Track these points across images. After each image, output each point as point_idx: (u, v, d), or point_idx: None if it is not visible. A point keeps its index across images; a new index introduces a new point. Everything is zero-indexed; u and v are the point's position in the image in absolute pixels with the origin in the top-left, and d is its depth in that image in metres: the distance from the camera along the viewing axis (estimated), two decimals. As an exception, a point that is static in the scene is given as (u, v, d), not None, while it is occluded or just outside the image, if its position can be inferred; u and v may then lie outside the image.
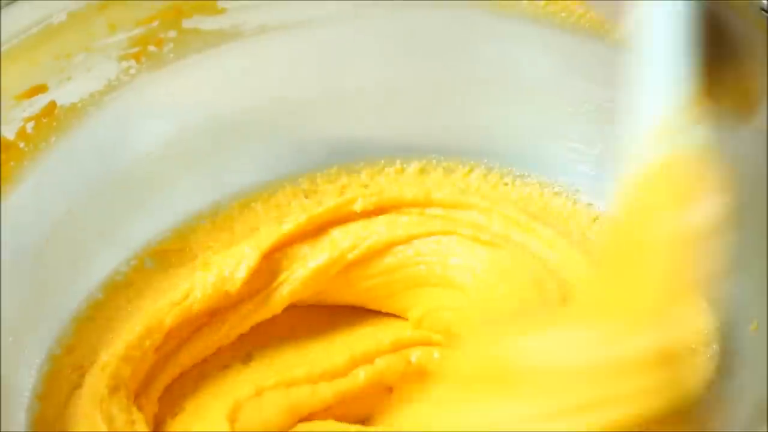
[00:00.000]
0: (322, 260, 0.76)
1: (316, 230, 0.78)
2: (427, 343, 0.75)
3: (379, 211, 0.78)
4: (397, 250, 0.77)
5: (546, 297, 0.70)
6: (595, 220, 0.83)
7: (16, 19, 0.75)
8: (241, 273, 0.75)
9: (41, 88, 0.76)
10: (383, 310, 0.80)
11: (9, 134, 0.74)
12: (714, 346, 0.74)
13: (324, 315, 0.79)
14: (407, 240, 0.77)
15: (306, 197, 0.85)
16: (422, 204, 0.78)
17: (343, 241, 0.77)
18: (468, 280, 0.75)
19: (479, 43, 0.84)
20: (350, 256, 0.76)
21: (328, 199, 0.84)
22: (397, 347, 0.74)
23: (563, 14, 0.80)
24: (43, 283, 0.75)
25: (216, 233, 0.83)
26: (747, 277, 0.73)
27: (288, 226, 0.77)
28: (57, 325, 0.75)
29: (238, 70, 0.84)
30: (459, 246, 0.76)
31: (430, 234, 0.77)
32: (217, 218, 0.83)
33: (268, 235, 0.77)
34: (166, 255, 0.81)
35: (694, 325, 0.63)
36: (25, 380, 0.72)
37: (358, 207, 0.78)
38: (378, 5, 0.84)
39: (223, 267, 0.75)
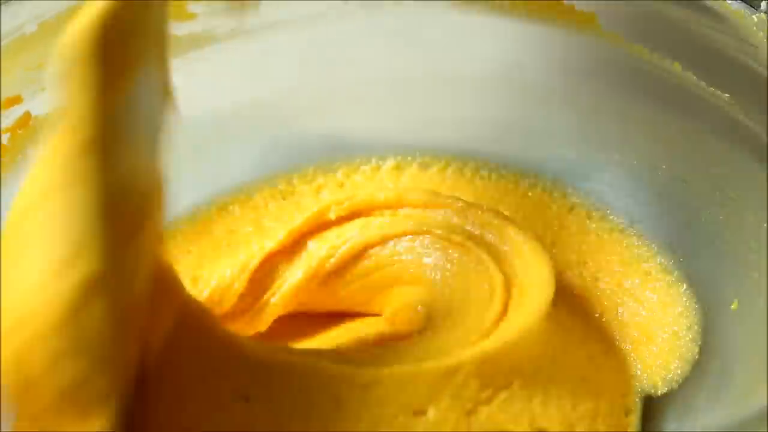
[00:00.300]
0: (302, 275, 0.76)
1: (293, 244, 0.77)
2: (401, 337, 0.75)
3: (353, 215, 0.78)
4: (371, 253, 0.77)
5: (490, 310, 0.71)
6: (571, 209, 0.83)
7: (-13, 31, 0.75)
8: (229, 298, 0.75)
9: (15, 100, 0.76)
10: (363, 312, 0.80)
11: (-15, 147, 0.74)
12: (696, 327, 0.75)
13: (305, 320, 0.79)
14: (381, 241, 0.77)
15: (283, 198, 0.86)
16: (395, 206, 0.78)
17: (319, 250, 0.77)
18: (438, 280, 0.75)
19: (450, 40, 0.84)
20: (327, 266, 0.76)
21: (305, 200, 0.85)
22: (378, 343, 0.75)
23: (528, 6, 0.81)
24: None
25: (195, 237, 0.83)
26: (725, 255, 0.75)
27: (270, 243, 0.77)
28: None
29: (210, 74, 0.84)
30: (432, 245, 0.76)
31: (404, 234, 0.77)
32: (196, 223, 0.84)
33: (251, 256, 0.76)
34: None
35: None
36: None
37: (332, 215, 0.78)
38: (349, 5, 0.84)
39: (212, 291, 0.75)
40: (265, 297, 0.76)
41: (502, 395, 0.66)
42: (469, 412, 0.65)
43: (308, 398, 0.64)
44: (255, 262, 0.76)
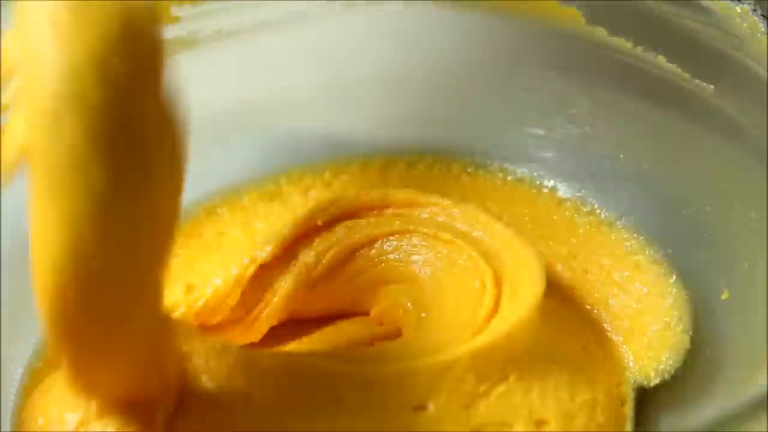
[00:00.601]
0: (292, 285, 0.76)
1: (283, 253, 0.77)
2: (391, 335, 0.75)
3: (338, 219, 0.78)
4: (358, 254, 0.77)
5: (482, 306, 0.71)
6: (559, 204, 0.84)
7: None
8: (223, 310, 0.75)
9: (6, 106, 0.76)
10: (352, 313, 0.79)
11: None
12: (687, 318, 0.75)
13: (294, 325, 0.79)
14: (368, 242, 0.77)
15: (271, 199, 0.86)
16: (380, 206, 0.79)
17: (307, 257, 0.76)
18: (427, 277, 0.75)
19: (435, 37, 0.85)
20: (315, 273, 0.76)
21: (292, 201, 0.85)
22: (369, 342, 0.75)
23: (511, 4, 0.82)
24: (20, 299, 0.74)
25: (184, 241, 0.83)
26: (714, 245, 0.75)
27: (261, 254, 0.77)
28: (35, 340, 0.75)
29: (195, 77, 0.83)
30: (420, 243, 0.76)
31: (390, 233, 0.77)
32: (185, 226, 0.84)
33: (244, 267, 0.76)
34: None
35: None
36: (6, 397, 0.72)
37: (319, 221, 0.78)
38: (334, 5, 0.84)
39: (206, 302, 0.75)
40: (257, 310, 0.76)
41: (500, 388, 0.67)
42: (468, 406, 0.66)
43: (310, 398, 0.65)
44: (248, 275, 0.76)
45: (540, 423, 0.67)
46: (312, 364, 0.66)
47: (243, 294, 0.75)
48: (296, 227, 0.77)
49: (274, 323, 0.76)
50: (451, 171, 0.87)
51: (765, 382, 0.60)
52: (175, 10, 0.82)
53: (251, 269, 0.75)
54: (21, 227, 0.77)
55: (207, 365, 0.65)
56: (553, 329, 0.72)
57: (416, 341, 0.69)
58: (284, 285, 0.76)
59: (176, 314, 0.73)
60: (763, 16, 0.70)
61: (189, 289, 0.76)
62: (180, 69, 0.82)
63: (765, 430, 0.56)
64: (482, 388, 0.66)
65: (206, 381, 0.65)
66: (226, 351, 0.66)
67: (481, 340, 0.67)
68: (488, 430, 0.66)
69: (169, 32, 0.82)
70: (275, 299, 0.76)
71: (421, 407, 0.65)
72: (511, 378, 0.68)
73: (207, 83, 0.84)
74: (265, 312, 0.76)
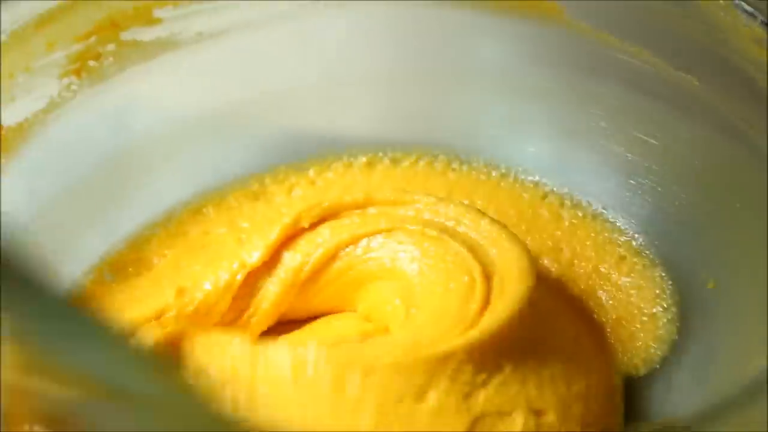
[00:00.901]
0: (279, 290, 0.76)
1: (270, 258, 0.78)
2: (380, 331, 0.75)
3: (323, 220, 0.78)
4: (343, 254, 0.77)
5: (472, 301, 0.71)
6: (544, 197, 0.84)
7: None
8: (213, 316, 0.75)
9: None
10: (339, 311, 0.80)
11: (-42, 157, 0.74)
12: (673, 309, 0.76)
13: (282, 326, 0.79)
14: (353, 241, 0.76)
15: (256, 199, 0.86)
16: (364, 206, 0.78)
17: (293, 261, 0.76)
18: (415, 273, 0.75)
19: (418, 34, 0.85)
20: (302, 275, 0.76)
21: (277, 200, 0.86)
22: (359, 338, 0.75)
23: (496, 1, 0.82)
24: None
25: (170, 240, 0.83)
26: (699, 235, 0.76)
27: (250, 259, 0.77)
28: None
29: (177, 78, 0.84)
30: (407, 240, 0.76)
31: (376, 231, 0.77)
32: (170, 226, 0.84)
33: (233, 273, 0.76)
34: (123, 266, 0.81)
35: None
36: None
37: (305, 223, 0.78)
38: (318, 5, 0.85)
39: (197, 307, 0.75)
40: (246, 316, 0.76)
41: (497, 379, 0.67)
42: (468, 396, 0.66)
43: (313, 387, 0.66)
44: (238, 282, 0.76)
45: (539, 413, 0.68)
46: (315, 354, 0.66)
47: (233, 300, 0.75)
48: (282, 232, 0.77)
49: (264, 328, 0.77)
50: (435, 168, 0.87)
51: (752, 372, 0.61)
52: (156, 12, 0.82)
53: (241, 275, 0.75)
54: (20, 227, 0.78)
55: (212, 358, 0.67)
56: (544, 321, 0.72)
57: (409, 335, 0.70)
58: (272, 290, 0.76)
59: (167, 317, 0.74)
60: (746, 11, 0.71)
61: (179, 293, 0.75)
62: (161, 71, 0.84)
63: (754, 419, 0.56)
64: (480, 378, 0.67)
65: (212, 373, 0.67)
66: (230, 343, 0.68)
67: (474, 335, 0.68)
68: (488, 420, 0.66)
69: (151, 34, 0.82)
70: (264, 305, 0.76)
71: (422, 396, 0.66)
72: (507, 369, 0.68)
73: (189, 85, 0.85)
74: (255, 318, 0.76)
